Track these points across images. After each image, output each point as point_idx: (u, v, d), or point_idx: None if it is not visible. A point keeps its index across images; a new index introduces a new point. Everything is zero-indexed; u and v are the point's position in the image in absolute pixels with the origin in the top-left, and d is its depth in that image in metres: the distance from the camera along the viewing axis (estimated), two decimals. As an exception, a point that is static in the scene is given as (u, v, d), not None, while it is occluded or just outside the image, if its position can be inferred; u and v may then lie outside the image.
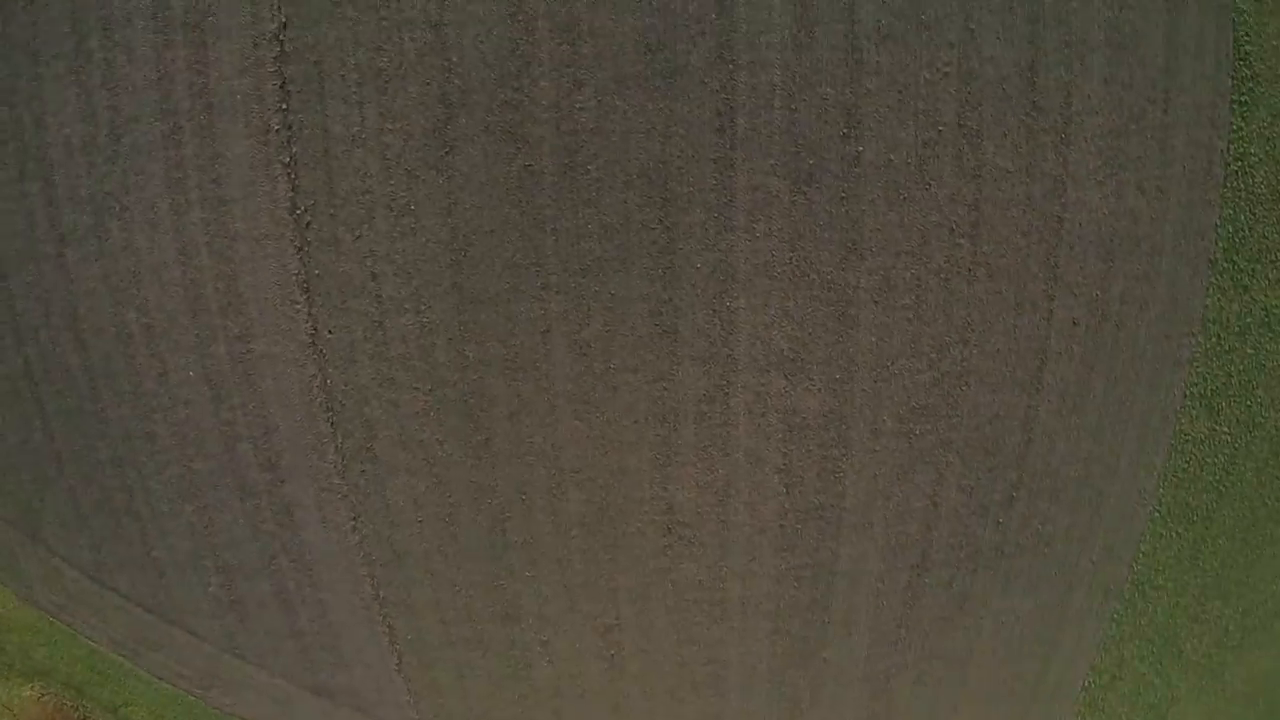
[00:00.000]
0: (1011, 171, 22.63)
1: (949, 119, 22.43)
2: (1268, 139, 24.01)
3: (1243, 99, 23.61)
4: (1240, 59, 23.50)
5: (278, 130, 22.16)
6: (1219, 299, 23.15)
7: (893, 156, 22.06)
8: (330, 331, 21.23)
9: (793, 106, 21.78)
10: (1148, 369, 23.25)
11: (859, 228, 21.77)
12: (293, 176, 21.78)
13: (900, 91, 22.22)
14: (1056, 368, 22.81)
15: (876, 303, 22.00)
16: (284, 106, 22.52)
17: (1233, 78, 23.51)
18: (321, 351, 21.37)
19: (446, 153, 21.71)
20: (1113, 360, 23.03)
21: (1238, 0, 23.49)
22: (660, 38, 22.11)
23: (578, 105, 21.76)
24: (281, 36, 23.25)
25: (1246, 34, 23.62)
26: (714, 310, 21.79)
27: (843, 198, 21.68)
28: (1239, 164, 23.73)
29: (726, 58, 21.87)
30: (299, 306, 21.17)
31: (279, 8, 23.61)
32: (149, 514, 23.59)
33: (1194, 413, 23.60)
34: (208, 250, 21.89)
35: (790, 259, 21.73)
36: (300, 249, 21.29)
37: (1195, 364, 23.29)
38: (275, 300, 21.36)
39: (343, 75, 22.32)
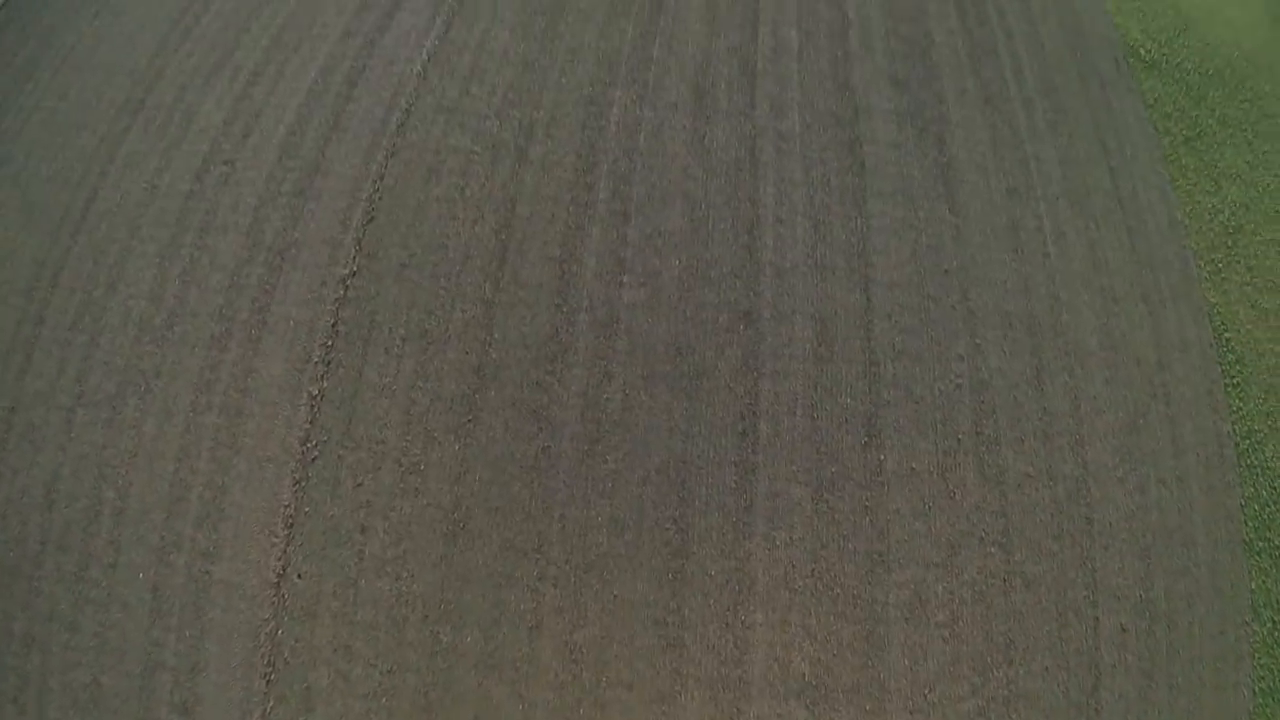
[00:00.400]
0: (1033, 475, 23.03)
1: (966, 428, 23.60)
2: (1267, 414, 25.67)
3: (1234, 381, 25.89)
4: (1223, 346, 26.45)
5: (317, 363, 22.49)
6: (1264, 580, 22.33)
7: (915, 465, 22.54)
8: (300, 577, 19.25)
9: (814, 415, 22.73)
10: (1209, 669, 21.23)
11: (885, 538, 21.27)
12: (315, 409, 21.60)
13: (917, 403, 23.66)
14: (1113, 682, 20.71)
15: (908, 620, 20.55)
16: (329, 344, 23.16)
17: (1220, 364, 26.12)
18: (284, 596, 19.05)
19: (469, 420, 21.85)
20: (1171, 665, 21.11)
21: (1208, 295, 27.42)
22: (691, 343, 23.99)
23: (605, 396, 22.59)
24: (348, 282, 24.82)
25: (1223, 323, 27.03)
26: (727, 624, 20.14)
27: (867, 507, 21.51)
28: (1247, 442, 24.90)
29: (752, 366, 23.47)
30: (276, 541, 19.48)
31: (354, 258, 25.60)
32: (35, 714, 19.34)
33: (1269, 710, 21.18)
34: (209, 456, 20.90)
35: (812, 571, 20.77)
36: (298, 482, 20.29)
37: (1257, 655, 21.42)
38: (255, 528, 19.71)
39: (391, 329, 23.35)
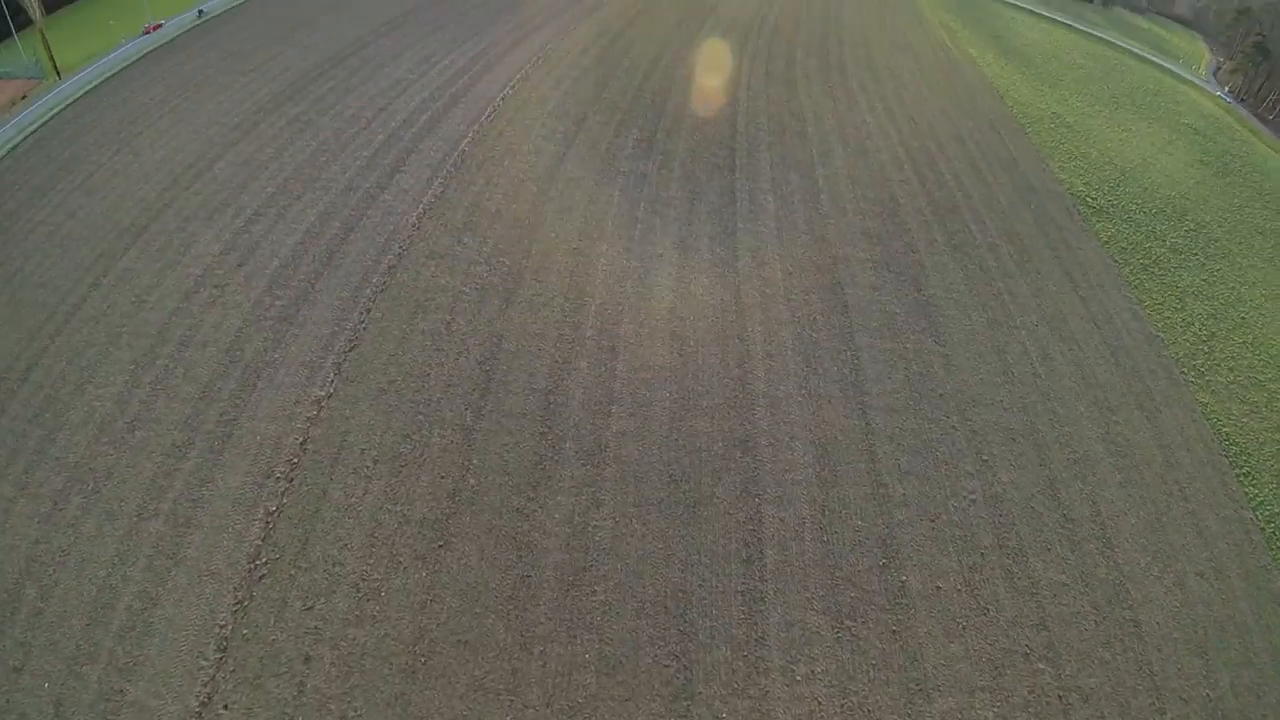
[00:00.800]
0: (1067, 583, 22.01)
1: (988, 541, 22.86)
2: (1285, 496, 26.15)
3: (1244, 470, 26.79)
4: (1224, 440, 27.76)
5: (278, 479, 20.86)
6: (1329, 658, 20.18)
7: (940, 584, 21.16)
8: (226, 708, 16.07)
9: (825, 539, 21.40)
10: (1294, 764, 18.26)
11: (920, 664, 19.11)
12: (270, 525, 19.66)
13: (933, 521, 22.98)
14: (1200, 797, 17.55)
15: (960, 754, 17.66)
16: (295, 461, 21.70)
17: (1225, 456, 27.16)
18: (205, 730, 16.17)
19: (440, 546, 19.97)
20: (1256, 766, 18.08)
21: (1198, 396, 29.27)
22: (686, 470, 23.11)
23: (593, 524, 20.98)
24: (323, 403, 23.85)
25: (1218, 419, 28.52)
26: (744, 773, 16.95)
27: (894, 631, 19.49)
28: (1273, 525, 24.96)
29: (752, 492, 22.53)
30: (205, 665, 16.55)
31: (332, 380, 24.82)
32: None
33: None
34: (146, 564, 18.54)
35: (842, 707, 18.11)
36: (239, 602, 17.85)
37: (1339, 739, 18.57)
38: (182, 648, 16.84)
39: (363, 450, 22.05)
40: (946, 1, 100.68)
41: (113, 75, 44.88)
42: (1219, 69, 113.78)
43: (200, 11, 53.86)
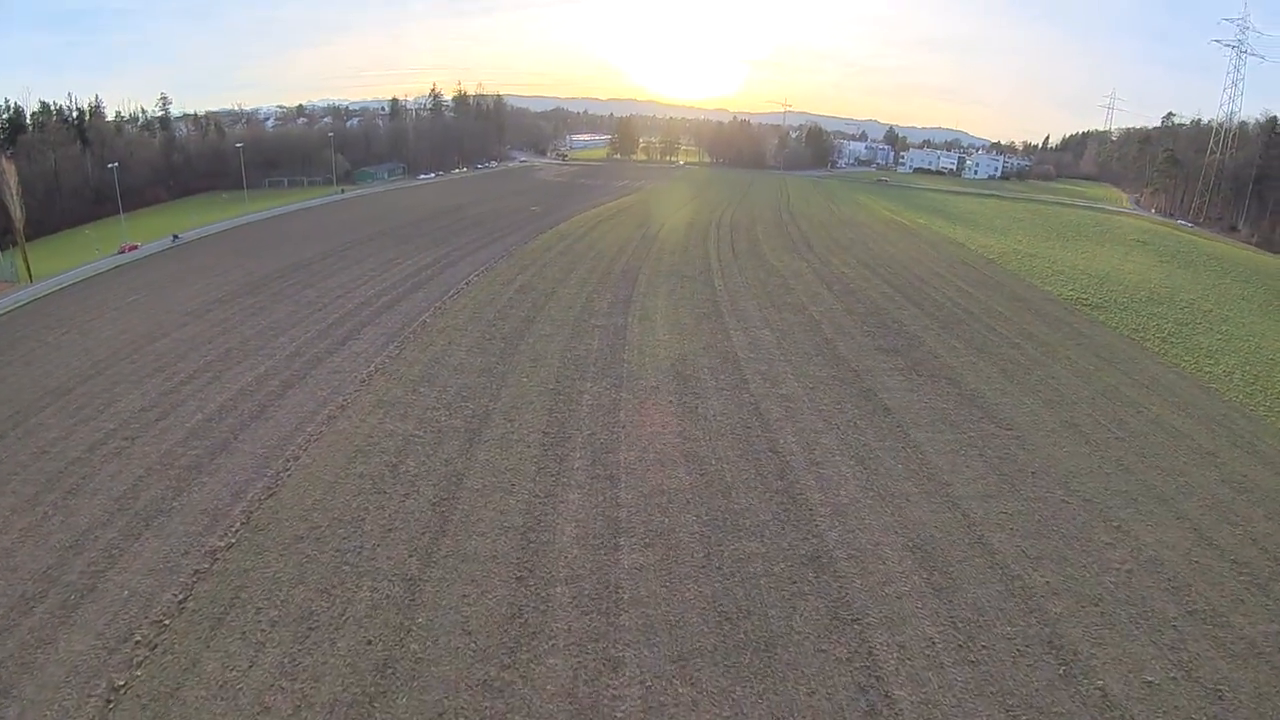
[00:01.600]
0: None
1: (1171, 611, 17.35)
2: None
3: None
4: None
5: (137, 644, 14.90)
6: None
7: (1148, 677, 15.02)
8: None
9: (972, 658, 15.12)
10: None
11: None
12: (109, 705, 13.41)
13: (1096, 604, 17.17)
14: None
15: None
16: (166, 623, 15.82)
17: None
18: None
19: (362, 735, 13.65)
20: None
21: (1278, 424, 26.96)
22: (740, 604, 16.92)
23: (610, 692, 14.26)
24: (219, 555, 18.30)
25: None
26: None
27: None
28: None
29: (845, 617, 16.35)
30: None
31: (237, 529, 19.46)
32: None
33: None
34: None
35: None
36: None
37: None
38: None
39: (258, 609, 16.09)
40: (883, 193, 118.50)
41: (81, 280, 47.25)
42: (1139, 199, 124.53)
43: (175, 236, 55.90)
